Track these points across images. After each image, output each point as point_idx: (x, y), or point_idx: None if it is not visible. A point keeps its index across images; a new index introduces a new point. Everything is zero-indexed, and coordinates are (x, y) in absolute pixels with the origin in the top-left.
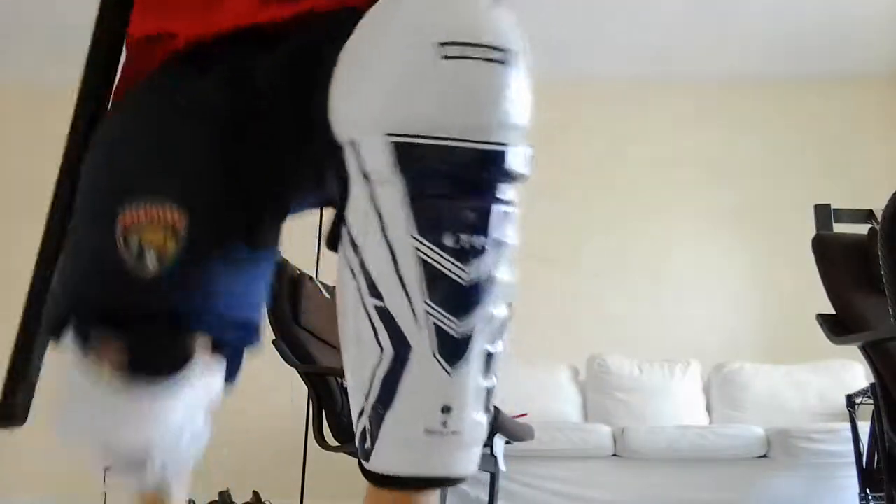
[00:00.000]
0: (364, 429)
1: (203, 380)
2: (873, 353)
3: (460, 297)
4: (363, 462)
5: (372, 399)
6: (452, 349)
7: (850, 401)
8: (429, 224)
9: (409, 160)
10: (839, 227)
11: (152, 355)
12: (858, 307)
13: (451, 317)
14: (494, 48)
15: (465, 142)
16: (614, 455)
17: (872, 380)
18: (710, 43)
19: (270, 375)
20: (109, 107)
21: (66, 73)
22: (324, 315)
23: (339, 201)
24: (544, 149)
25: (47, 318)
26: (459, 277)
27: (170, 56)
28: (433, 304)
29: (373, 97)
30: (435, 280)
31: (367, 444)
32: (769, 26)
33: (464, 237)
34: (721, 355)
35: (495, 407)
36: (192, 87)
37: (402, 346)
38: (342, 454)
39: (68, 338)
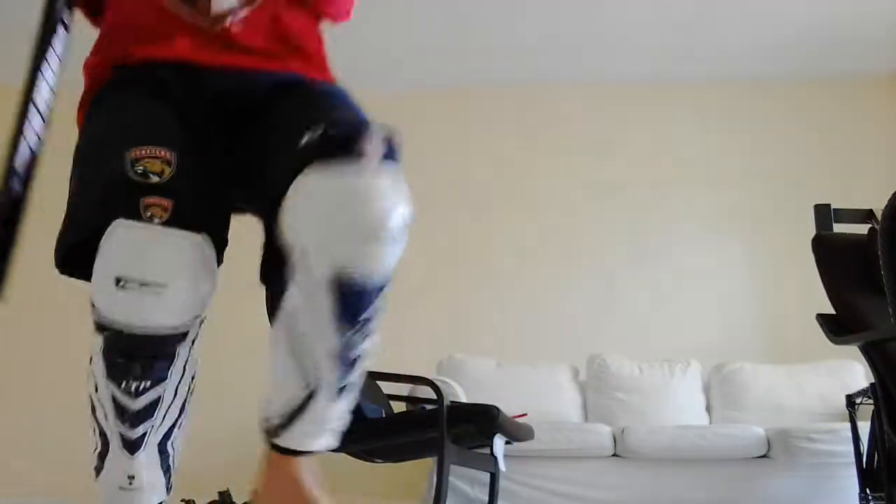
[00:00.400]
0: (280, 421)
1: (206, 252)
2: (873, 353)
3: (356, 361)
4: (272, 437)
5: (290, 409)
6: (343, 391)
7: (850, 401)
8: (346, 314)
9: (339, 279)
10: (839, 227)
11: (181, 215)
12: (858, 307)
13: (348, 371)
14: (396, 239)
15: (368, 276)
16: (614, 455)
17: (872, 380)
18: (711, 43)
19: None
20: (86, 102)
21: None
22: None
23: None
24: (543, 149)
25: (93, 208)
26: (360, 347)
27: (121, 66)
28: (341, 365)
29: (329, 232)
30: (344, 347)
31: (280, 429)
32: (769, 26)
33: (361, 323)
34: (721, 355)
35: (495, 407)
36: (149, 83)
37: (317, 384)
38: (342, 454)
39: (122, 214)
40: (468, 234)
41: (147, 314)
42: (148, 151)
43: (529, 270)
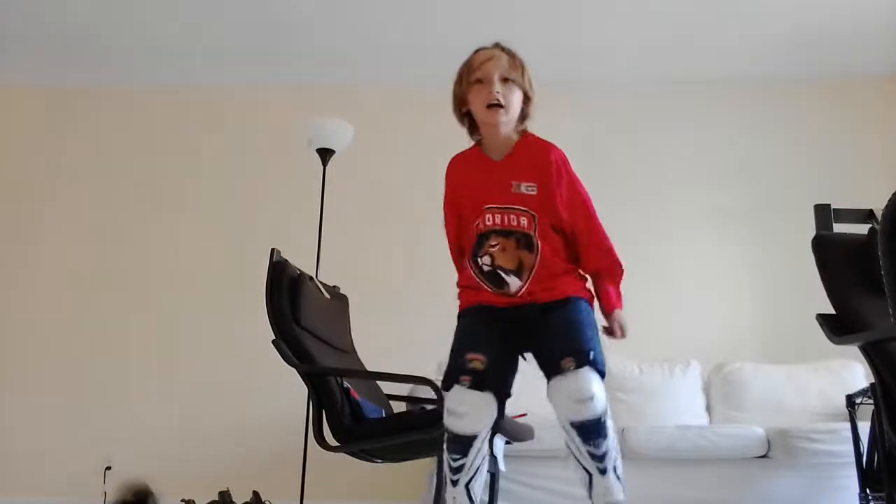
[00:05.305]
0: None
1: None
2: (873, 353)
3: (602, 456)
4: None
5: (587, 485)
6: (604, 472)
7: (850, 401)
8: (586, 439)
9: (571, 423)
10: (839, 227)
11: (483, 381)
12: (858, 307)
13: (600, 461)
14: (590, 402)
15: (581, 420)
16: None
17: (872, 380)
18: (711, 43)
19: (270, 375)
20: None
21: (73, 75)
22: (324, 315)
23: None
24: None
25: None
26: (602, 448)
27: (477, 301)
28: (593, 460)
29: (562, 406)
30: (592, 451)
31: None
32: (770, 26)
33: (594, 437)
34: (721, 355)
35: None
36: (486, 315)
37: (590, 472)
38: (342, 454)
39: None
40: None
41: (459, 427)
42: (473, 357)
43: None
